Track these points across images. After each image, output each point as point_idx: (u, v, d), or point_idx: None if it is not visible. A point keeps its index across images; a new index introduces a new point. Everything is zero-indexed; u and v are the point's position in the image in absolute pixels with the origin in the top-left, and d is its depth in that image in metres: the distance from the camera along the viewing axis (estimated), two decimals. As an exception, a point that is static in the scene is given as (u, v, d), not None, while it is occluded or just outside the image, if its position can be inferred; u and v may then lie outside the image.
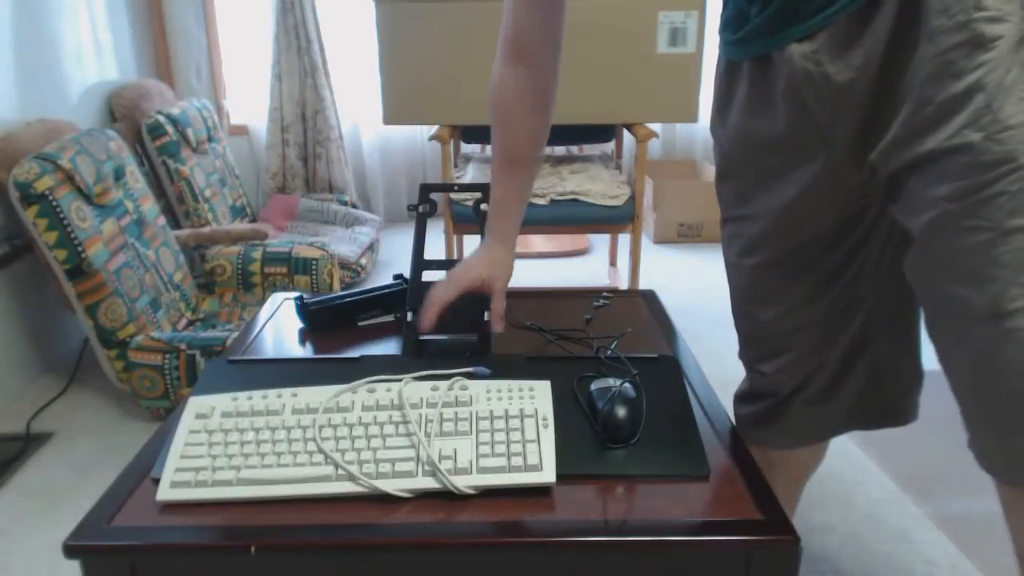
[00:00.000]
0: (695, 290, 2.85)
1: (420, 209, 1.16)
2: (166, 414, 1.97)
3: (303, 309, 1.16)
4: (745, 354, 1.08)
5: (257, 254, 2.34)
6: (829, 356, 1.01)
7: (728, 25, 0.90)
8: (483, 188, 1.15)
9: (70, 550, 0.72)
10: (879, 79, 0.77)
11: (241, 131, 3.50)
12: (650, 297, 1.29)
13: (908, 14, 0.74)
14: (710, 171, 3.54)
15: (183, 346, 1.91)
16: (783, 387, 1.05)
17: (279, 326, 1.19)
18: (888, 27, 0.75)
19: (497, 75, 1.07)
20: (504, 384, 0.86)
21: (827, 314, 0.98)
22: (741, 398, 1.12)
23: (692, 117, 2.35)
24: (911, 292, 0.87)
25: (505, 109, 1.07)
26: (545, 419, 0.81)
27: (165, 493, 0.75)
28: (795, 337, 1.00)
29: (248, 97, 3.47)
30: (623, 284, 2.71)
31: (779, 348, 1.02)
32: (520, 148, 1.08)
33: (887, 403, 1.05)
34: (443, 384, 0.86)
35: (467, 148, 2.99)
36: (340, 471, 0.76)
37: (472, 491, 0.75)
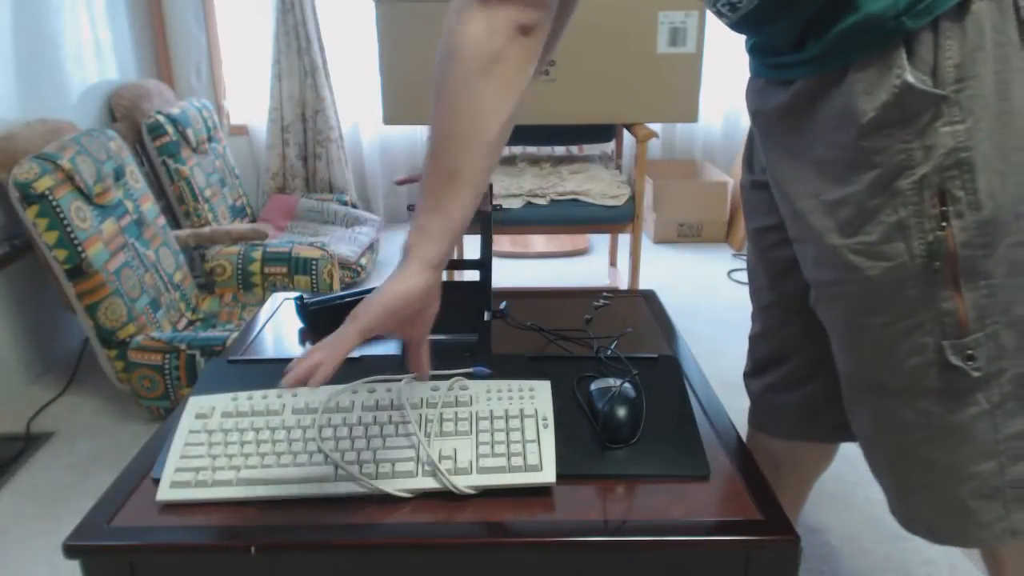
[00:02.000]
0: (695, 290, 2.85)
1: (420, 209, 1.15)
2: (166, 414, 1.97)
3: (303, 309, 1.16)
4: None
5: (257, 254, 2.34)
6: (788, 346, 1.05)
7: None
8: (483, 188, 1.15)
9: (70, 550, 0.72)
10: (782, 143, 0.88)
11: (241, 131, 3.50)
12: (650, 297, 1.29)
13: (812, 107, 0.81)
14: (710, 171, 3.54)
15: (183, 346, 1.91)
16: (752, 361, 1.13)
17: (279, 326, 1.19)
18: (794, 104, 0.83)
19: (465, 14, 0.73)
20: (504, 384, 0.86)
21: (786, 307, 1.04)
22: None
23: (692, 117, 2.35)
24: None
25: (465, 69, 0.71)
26: (545, 419, 0.81)
27: (165, 493, 0.75)
28: (768, 311, 1.07)
29: (248, 97, 3.47)
30: (623, 284, 2.70)
31: (755, 315, 1.11)
32: (480, 137, 0.72)
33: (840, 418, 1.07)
34: (443, 384, 0.86)
35: (467, 148, 2.98)
36: (340, 471, 0.76)
37: (472, 491, 0.75)
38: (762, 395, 1.11)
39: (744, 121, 3.63)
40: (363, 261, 2.88)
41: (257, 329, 1.18)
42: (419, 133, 3.59)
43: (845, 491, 1.69)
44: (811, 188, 0.82)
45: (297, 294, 1.22)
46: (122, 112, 2.61)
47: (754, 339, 1.11)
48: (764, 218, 1.00)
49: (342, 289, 2.28)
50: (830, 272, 0.83)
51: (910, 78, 0.71)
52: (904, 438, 0.83)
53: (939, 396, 0.79)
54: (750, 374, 1.13)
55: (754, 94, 0.93)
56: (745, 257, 1.14)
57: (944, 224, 0.74)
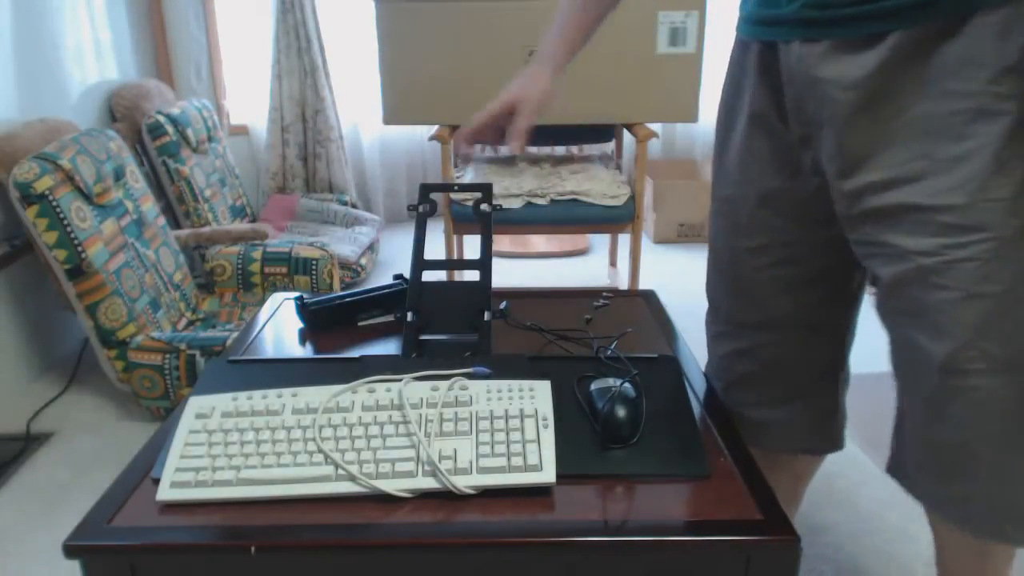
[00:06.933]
0: (695, 290, 2.84)
1: (420, 209, 1.16)
2: (166, 414, 1.97)
3: (303, 309, 1.16)
4: None
5: (257, 254, 2.34)
6: (779, 363, 1.03)
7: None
8: (483, 188, 1.15)
9: (70, 550, 0.72)
10: (869, 109, 0.78)
11: (241, 131, 3.50)
12: (650, 297, 1.29)
13: (916, 60, 0.73)
14: (710, 171, 3.54)
15: (183, 346, 1.91)
16: (732, 378, 1.10)
17: (279, 326, 1.19)
18: (890, 63, 0.75)
19: None
20: (504, 384, 0.86)
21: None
22: None
23: (692, 117, 2.35)
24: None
25: None
26: (545, 419, 0.81)
27: (165, 493, 0.75)
28: (758, 329, 1.04)
29: (248, 97, 3.47)
30: (623, 284, 2.70)
31: (732, 332, 1.08)
32: None
33: (827, 431, 1.07)
34: (443, 384, 0.86)
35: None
36: (340, 471, 0.76)
37: (472, 491, 0.75)
38: (744, 410, 1.06)
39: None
40: (363, 261, 2.88)
41: (257, 329, 1.18)
42: (419, 133, 3.59)
43: (846, 491, 1.68)
44: (915, 151, 0.75)
45: (297, 294, 1.22)
46: (122, 112, 2.61)
47: (734, 356, 1.05)
48: (770, 234, 0.95)
49: (342, 289, 2.28)
50: (943, 239, 0.74)
51: None
52: None
53: None
54: (729, 390, 1.07)
55: (807, 62, 0.80)
56: (709, 276, 1.07)
57: None
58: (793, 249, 0.94)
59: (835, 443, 1.09)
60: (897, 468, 0.91)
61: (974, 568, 0.92)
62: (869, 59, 0.75)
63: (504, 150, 2.85)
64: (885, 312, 0.84)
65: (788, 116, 0.87)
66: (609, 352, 1.02)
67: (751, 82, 0.90)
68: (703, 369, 1.08)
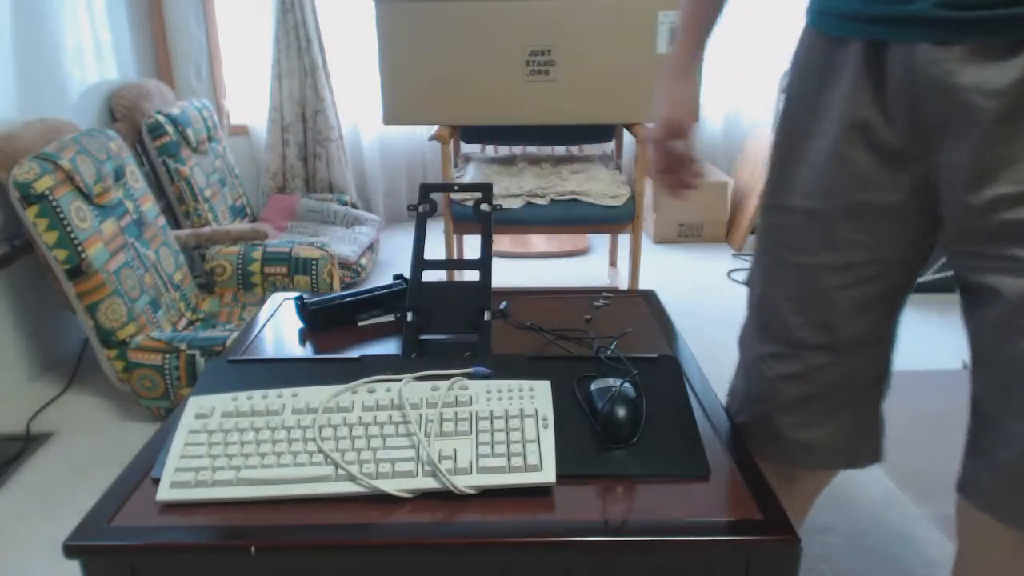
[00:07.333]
0: (695, 290, 2.85)
1: (420, 209, 1.16)
2: (166, 414, 1.97)
3: (303, 309, 1.16)
4: None
5: (257, 254, 2.34)
6: (834, 383, 0.96)
7: None
8: (483, 188, 1.15)
9: (70, 550, 0.72)
10: (1010, 119, 0.71)
11: (241, 131, 3.50)
12: (650, 297, 1.29)
13: None
14: (710, 171, 3.54)
15: (183, 346, 1.91)
16: (782, 401, 1.03)
17: (279, 326, 1.19)
18: None
19: None
20: (504, 384, 0.86)
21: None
22: None
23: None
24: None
25: None
26: (545, 419, 0.81)
27: (165, 493, 0.75)
28: (818, 351, 0.97)
29: (248, 97, 3.47)
30: (623, 284, 2.70)
31: (787, 354, 1.01)
32: None
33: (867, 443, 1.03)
34: (443, 384, 0.86)
35: (467, 148, 2.99)
36: (340, 471, 0.76)
37: (472, 491, 0.75)
38: (791, 432, 0.98)
39: (745, 121, 3.63)
40: (363, 261, 2.88)
41: (257, 329, 1.18)
42: (419, 133, 3.59)
43: (846, 491, 1.68)
44: None
45: (297, 294, 1.22)
46: (122, 112, 2.61)
47: (790, 380, 0.95)
48: (856, 251, 0.87)
49: (342, 289, 2.28)
50: None
51: None
52: None
53: None
54: (775, 414, 0.98)
55: (942, 66, 0.72)
56: (766, 292, 0.97)
57: None
58: (878, 267, 0.88)
59: (878, 454, 1.02)
60: (972, 487, 0.88)
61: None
62: (1014, 66, 0.69)
63: (503, 150, 2.86)
64: (1000, 327, 0.78)
65: (895, 124, 0.80)
66: (609, 352, 1.02)
67: (848, 85, 0.81)
68: (730, 387, 1.03)
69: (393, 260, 3.25)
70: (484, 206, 1.13)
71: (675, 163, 1.04)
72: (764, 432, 0.99)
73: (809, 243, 0.89)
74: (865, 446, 1.01)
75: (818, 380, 0.94)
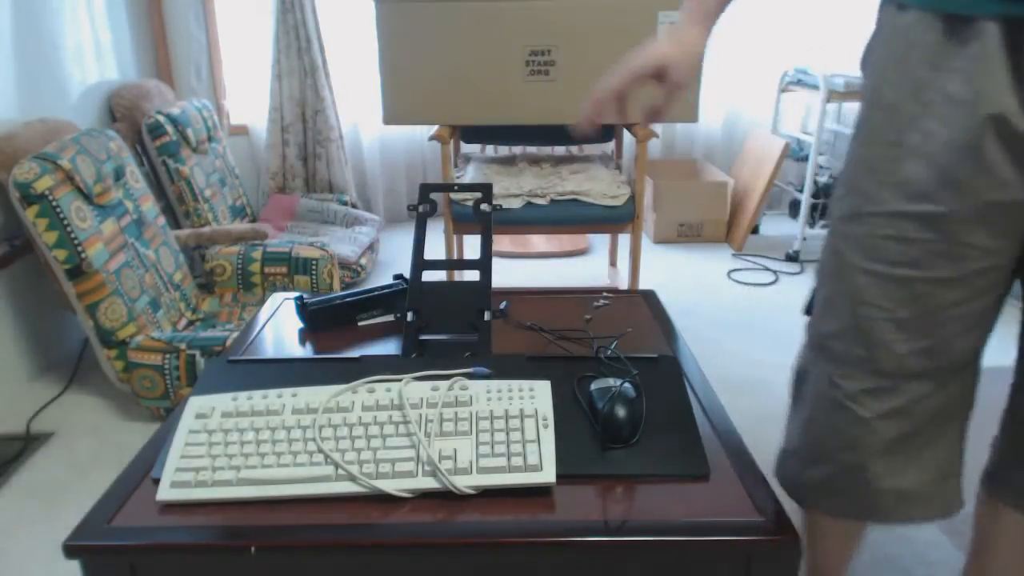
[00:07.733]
0: (695, 290, 2.85)
1: (420, 209, 1.16)
2: (166, 414, 1.97)
3: (303, 309, 1.16)
4: None
5: (257, 254, 2.34)
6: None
7: None
8: (483, 188, 1.15)
9: (70, 550, 0.72)
10: None
11: (241, 131, 3.50)
12: (650, 297, 1.29)
13: None
14: (710, 171, 3.54)
15: (183, 346, 1.91)
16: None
17: (279, 326, 1.19)
18: None
19: None
20: (504, 384, 0.86)
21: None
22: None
23: (692, 117, 2.35)
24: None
25: None
26: (545, 419, 0.81)
27: (165, 493, 0.75)
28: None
29: (248, 97, 3.47)
30: (623, 284, 2.70)
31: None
32: None
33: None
34: (443, 384, 0.86)
35: (467, 148, 2.99)
36: (340, 471, 0.76)
37: (472, 491, 0.75)
38: (882, 482, 0.87)
39: (745, 121, 3.63)
40: (363, 261, 2.88)
41: (257, 329, 1.18)
42: (419, 133, 3.59)
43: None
44: None
45: (297, 294, 1.22)
46: (122, 112, 2.61)
47: (890, 418, 0.85)
48: (974, 260, 0.78)
49: (342, 289, 2.28)
50: None
51: None
52: None
53: None
54: (867, 463, 0.87)
55: None
56: (857, 316, 0.84)
57: None
58: (996, 275, 0.79)
59: (961, 498, 0.91)
60: (1002, 482, 0.86)
61: None
62: None
63: (503, 150, 2.86)
64: None
65: None
66: (609, 352, 1.02)
67: (976, 69, 0.71)
68: (785, 442, 0.96)
69: (393, 260, 3.25)
70: (484, 206, 1.13)
71: (620, 101, 0.93)
72: (851, 486, 0.87)
73: (922, 253, 0.78)
74: (954, 488, 0.90)
75: (919, 414, 0.84)
